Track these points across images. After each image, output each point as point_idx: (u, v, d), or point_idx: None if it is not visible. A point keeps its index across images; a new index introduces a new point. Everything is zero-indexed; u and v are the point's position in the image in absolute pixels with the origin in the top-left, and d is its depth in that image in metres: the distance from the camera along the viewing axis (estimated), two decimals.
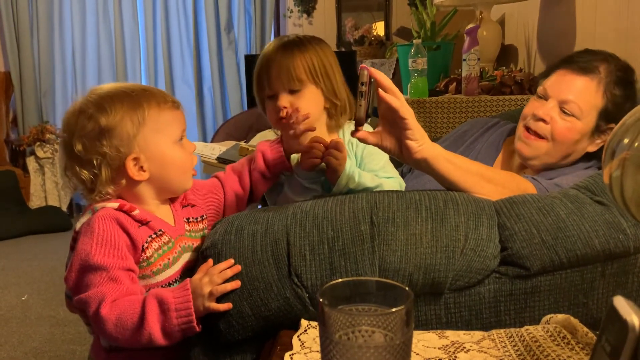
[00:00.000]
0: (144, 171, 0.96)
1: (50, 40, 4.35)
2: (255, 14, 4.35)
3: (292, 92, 1.14)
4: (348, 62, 3.52)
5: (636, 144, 0.58)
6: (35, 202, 4.10)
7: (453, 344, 0.79)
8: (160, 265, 0.96)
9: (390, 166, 1.22)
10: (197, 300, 0.89)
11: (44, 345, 2.24)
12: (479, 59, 2.13)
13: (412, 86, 2.20)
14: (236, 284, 0.89)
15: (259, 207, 1.26)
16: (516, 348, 0.77)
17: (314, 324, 0.85)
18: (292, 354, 0.76)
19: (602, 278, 0.90)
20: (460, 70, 2.23)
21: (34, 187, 4.09)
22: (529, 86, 2.09)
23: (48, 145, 4.08)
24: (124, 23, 4.40)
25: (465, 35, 2.15)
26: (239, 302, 0.89)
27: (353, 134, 0.99)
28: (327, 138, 1.15)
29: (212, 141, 3.55)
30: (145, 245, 0.94)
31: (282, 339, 0.84)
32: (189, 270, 1.00)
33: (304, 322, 0.86)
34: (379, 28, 4.19)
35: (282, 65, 1.13)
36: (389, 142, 1.00)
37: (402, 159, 1.02)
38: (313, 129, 1.10)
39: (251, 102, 3.95)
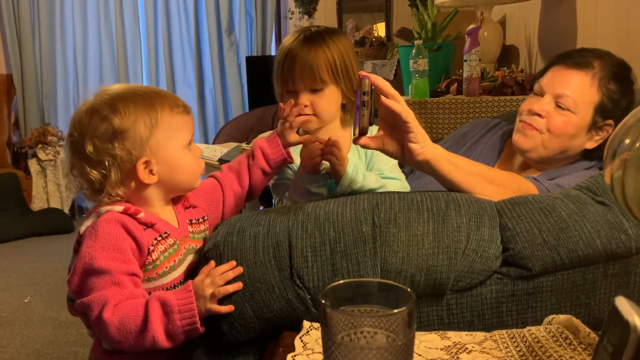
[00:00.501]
0: (153, 174, 0.95)
1: (52, 43, 4.36)
2: (256, 16, 4.36)
3: (314, 91, 1.16)
4: None
5: (637, 145, 0.58)
6: (37, 204, 4.11)
7: (455, 345, 0.79)
8: (166, 267, 0.96)
9: (398, 168, 1.22)
10: (199, 302, 0.88)
11: (46, 347, 2.25)
12: (480, 60, 2.14)
13: (413, 87, 2.20)
14: (238, 285, 0.89)
15: (261, 207, 1.26)
16: (518, 349, 0.77)
17: (316, 325, 0.85)
18: (295, 356, 0.76)
19: (604, 278, 0.90)
20: (461, 71, 2.23)
21: (35, 189, 4.10)
22: (530, 87, 2.09)
23: (50, 148, 4.09)
24: (125, 25, 4.41)
25: (466, 36, 2.15)
26: (241, 303, 0.89)
27: (355, 141, 0.99)
28: (340, 133, 1.18)
29: (213, 143, 3.56)
30: (151, 248, 0.94)
31: (285, 341, 0.84)
32: (191, 272, 1.00)
33: (306, 324, 0.86)
34: (380, 29, 4.19)
35: (306, 65, 1.14)
36: (390, 145, 1.01)
37: (404, 161, 1.02)
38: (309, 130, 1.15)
39: (252, 104, 3.96)
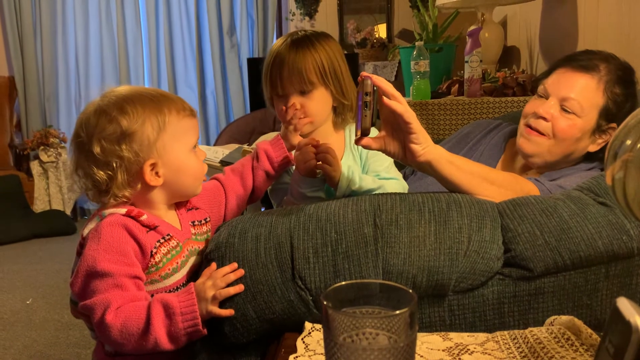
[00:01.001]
0: (159, 177, 0.95)
1: (54, 45, 4.37)
2: (257, 17, 4.36)
3: (303, 93, 1.16)
4: (350, 64, 3.51)
5: (638, 146, 0.58)
6: (39, 206, 4.11)
7: (457, 346, 0.79)
8: (169, 269, 0.96)
9: (394, 168, 1.22)
10: (201, 304, 0.89)
11: (48, 349, 2.25)
12: (481, 61, 2.14)
13: (414, 88, 2.20)
14: (239, 288, 0.89)
15: (263, 209, 1.27)
16: (520, 350, 0.77)
17: (318, 326, 0.85)
18: (297, 357, 0.76)
19: (606, 279, 0.90)
20: (462, 72, 2.23)
21: (37, 191, 4.11)
22: (532, 87, 2.09)
23: (52, 150, 4.10)
24: (126, 27, 4.42)
25: (467, 37, 2.16)
26: (243, 305, 0.89)
27: (357, 142, 0.99)
28: (333, 136, 1.19)
29: (215, 144, 3.56)
30: (154, 250, 0.94)
31: (286, 342, 0.84)
32: (194, 274, 1.00)
33: (307, 325, 0.86)
34: (381, 30, 4.20)
35: (294, 67, 1.14)
36: (392, 146, 1.01)
37: (406, 162, 1.02)
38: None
39: (254, 105, 3.95)
